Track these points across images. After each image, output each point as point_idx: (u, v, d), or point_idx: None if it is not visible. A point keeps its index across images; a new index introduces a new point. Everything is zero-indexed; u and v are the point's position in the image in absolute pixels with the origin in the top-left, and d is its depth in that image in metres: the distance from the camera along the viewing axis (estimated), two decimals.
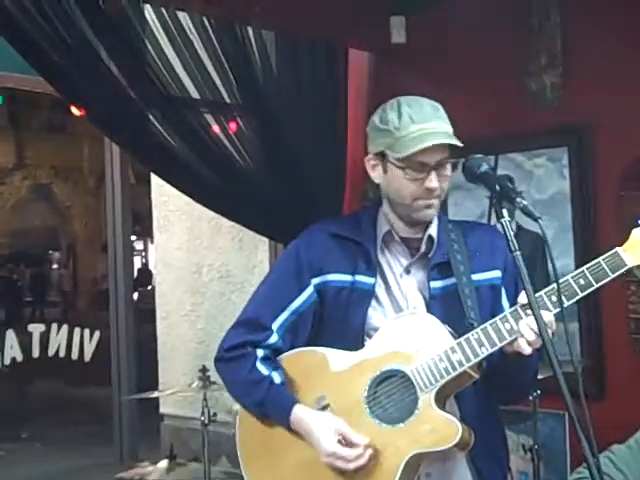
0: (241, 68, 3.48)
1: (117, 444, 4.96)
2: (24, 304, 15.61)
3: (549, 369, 3.53)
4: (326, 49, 3.92)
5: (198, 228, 5.17)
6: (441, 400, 2.00)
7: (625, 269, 1.89)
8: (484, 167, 1.94)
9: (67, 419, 5.67)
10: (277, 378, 2.09)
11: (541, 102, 3.72)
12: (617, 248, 1.90)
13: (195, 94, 3.44)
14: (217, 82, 3.44)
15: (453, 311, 2.04)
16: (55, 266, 18.19)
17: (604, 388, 3.66)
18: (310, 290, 2.12)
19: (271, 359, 2.12)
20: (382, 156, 2.08)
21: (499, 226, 1.89)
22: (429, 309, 2.08)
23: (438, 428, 1.95)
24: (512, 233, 1.84)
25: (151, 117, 3.28)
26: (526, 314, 1.89)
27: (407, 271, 2.13)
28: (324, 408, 2.06)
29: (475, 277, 2.10)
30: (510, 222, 1.86)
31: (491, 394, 2.12)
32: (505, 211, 1.86)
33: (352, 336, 2.07)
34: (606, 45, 3.52)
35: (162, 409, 5.46)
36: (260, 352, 2.11)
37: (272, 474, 2.10)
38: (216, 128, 3.60)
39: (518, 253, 1.83)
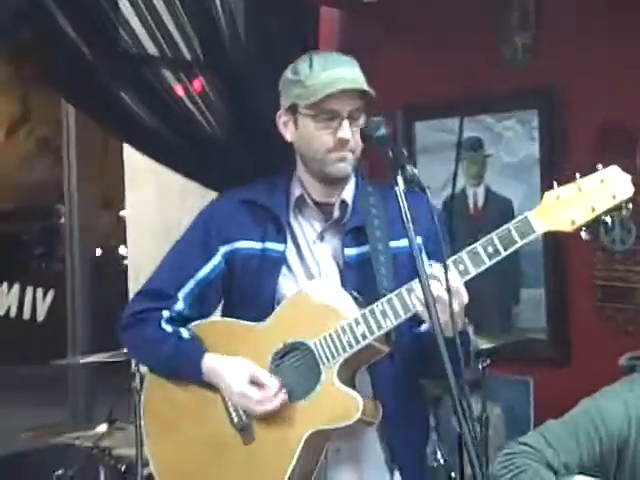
0: (202, 23, 3.36)
1: (71, 406, 4.91)
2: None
3: (498, 338, 3.54)
4: (296, 6, 3.80)
5: (168, 187, 5.09)
6: (347, 374, 1.93)
7: (534, 236, 1.80)
8: (381, 131, 1.86)
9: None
10: (185, 333, 2.04)
11: (512, 63, 3.63)
12: (528, 213, 1.81)
13: (154, 51, 3.33)
14: (176, 37, 3.32)
15: (368, 280, 1.96)
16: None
17: (569, 355, 3.64)
18: (218, 259, 2.06)
19: (177, 321, 2.06)
20: (293, 110, 2.01)
21: (396, 191, 1.79)
22: (343, 277, 2.01)
23: (339, 404, 1.89)
24: (405, 203, 1.77)
25: (107, 76, 3.18)
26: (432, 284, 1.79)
27: (321, 237, 2.05)
28: None
29: (393, 244, 2.00)
30: (405, 191, 1.78)
31: (420, 368, 2.05)
32: (400, 179, 1.78)
33: (263, 305, 2.00)
34: (580, 6, 3.42)
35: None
36: (166, 313, 2.06)
37: (176, 449, 2.05)
38: (179, 89, 3.50)
39: (411, 225, 1.76)
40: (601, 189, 1.77)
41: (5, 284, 5.29)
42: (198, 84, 3.59)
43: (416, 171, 1.78)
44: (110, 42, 3.18)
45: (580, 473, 2.23)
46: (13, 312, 4.73)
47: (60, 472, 2.88)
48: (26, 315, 4.61)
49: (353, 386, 1.94)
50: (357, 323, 1.89)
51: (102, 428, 3.01)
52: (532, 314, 3.70)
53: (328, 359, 1.90)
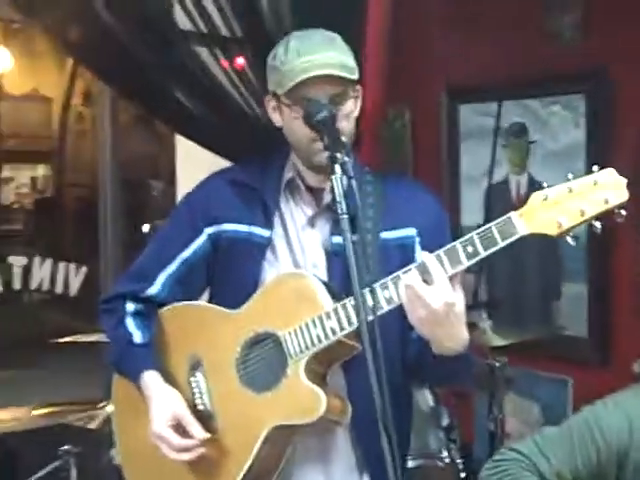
0: None
1: (103, 380, 4.89)
2: None
3: (537, 332, 3.36)
4: None
5: (220, 164, 5.08)
6: (317, 370, 1.83)
7: (516, 237, 1.66)
8: (323, 114, 1.75)
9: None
10: (138, 337, 1.98)
11: (559, 43, 3.41)
12: (512, 213, 1.68)
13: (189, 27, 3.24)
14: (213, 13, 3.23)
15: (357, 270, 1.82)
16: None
17: (611, 355, 3.44)
18: (203, 239, 1.99)
19: (145, 314, 2.01)
20: (276, 97, 1.91)
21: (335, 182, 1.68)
22: (329, 266, 1.91)
23: (301, 400, 1.80)
24: (342, 191, 1.66)
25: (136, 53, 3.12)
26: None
27: (311, 224, 1.96)
28: (195, 367, 1.95)
29: (384, 235, 1.90)
30: (343, 179, 1.67)
31: (417, 373, 1.95)
32: (338, 167, 1.68)
33: (245, 292, 1.92)
34: None
35: None
36: (131, 306, 2.01)
37: (137, 433, 2.00)
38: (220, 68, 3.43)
39: (345, 216, 1.65)
40: (593, 192, 1.64)
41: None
42: (240, 62, 3.50)
43: (347, 159, 1.68)
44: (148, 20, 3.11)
45: None
46: None
47: (66, 447, 2.87)
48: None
49: (324, 383, 1.85)
50: (328, 317, 1.79)
51: (110, 408, 2.96)
52: (573, 310, 3.50)
53: (296, 352, 1.82)
